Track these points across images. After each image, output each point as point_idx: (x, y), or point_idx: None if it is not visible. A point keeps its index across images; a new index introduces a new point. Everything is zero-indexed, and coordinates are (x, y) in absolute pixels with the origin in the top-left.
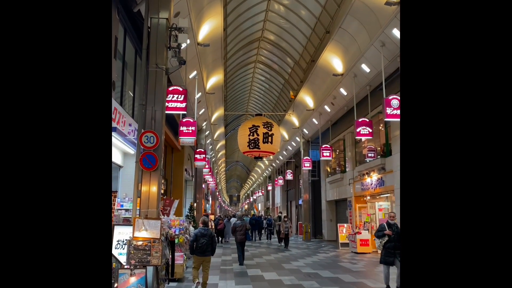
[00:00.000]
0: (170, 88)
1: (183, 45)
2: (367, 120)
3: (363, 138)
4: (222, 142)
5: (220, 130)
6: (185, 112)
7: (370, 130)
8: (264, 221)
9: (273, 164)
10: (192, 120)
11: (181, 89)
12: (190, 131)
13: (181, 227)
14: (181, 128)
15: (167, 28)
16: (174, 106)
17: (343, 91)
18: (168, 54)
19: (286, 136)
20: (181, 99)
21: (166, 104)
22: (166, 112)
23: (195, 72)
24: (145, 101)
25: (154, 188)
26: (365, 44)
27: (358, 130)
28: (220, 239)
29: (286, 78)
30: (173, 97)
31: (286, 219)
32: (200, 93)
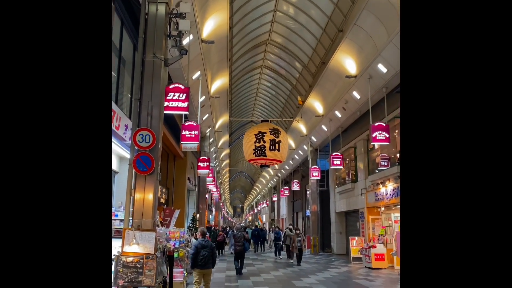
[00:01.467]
0: (171, 86)
1: (185, 40)
2: (384, 125)
3: (377, 145)
4: (227, 151)
5: (225, 138)
6: (187, 112)
7: (387, 135)
8: (272, 234)
9: (279, 174)
10: (195, 124)
11: (182, 87)
12: (193, 136)
13: (181, 239)
14: (183, 133)
15: (166, 14)
16: (175, 105)
17: (356, 94)
18: (168, 44)
19: (293, 144)
20: (183, 98)
21: (166, 103)
22: (166, 112)
23: (198, 73)
24: (140, 95)
25: (150, 195)
26: (382, 42)
27: (374, 135)
28: (220, 251)
29: (294, 83)
30: (173, 95)
31: (298, 231)
32: (204, 97)
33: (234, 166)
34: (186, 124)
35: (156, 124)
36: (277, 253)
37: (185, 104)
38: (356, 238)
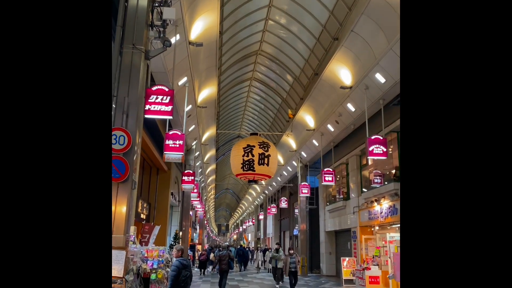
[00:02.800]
0: (154, 88)
1: (172, 40)
2: (381, 138)
3: (370, 160)
4: (213, 167)
5: (211, 153)
6: (170, 117)
7: (384, 150)
8: (259, 254)
9: (266, 192)
10: (180, 133)
11: (166, 89)
12: (177, 146)
13: (160, 259)
14: (167, 142)
15: (149, 1)
16: (158, 109)
17: (350, 106)
18: (150, 35)
19: (281, 160)
20: (167, 101)
21: (148, 106)
22: (148, 116)
23: (185, 79)
24: (116, 91)
25: (123, 207)
26: (381, 49)
27: (370, 149)
28: (202, 271)
29: (284, 96)
30: (156, 98)
31: (291, 251)
32: (190, 106)
33: (220, 181)
34: (170, 133)
35: (132, 124)
36: (279, 278)
37: (168, 108)
38: (347, 259)
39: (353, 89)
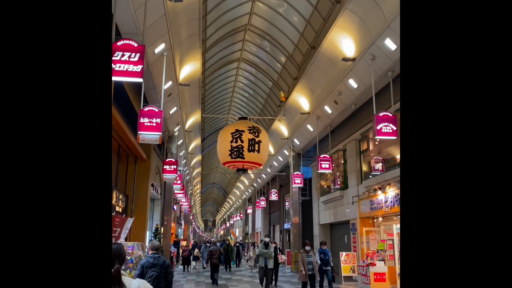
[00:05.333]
0: (119, 43)
1: None
2: (390, 115)
3: (372, 145)
4: (198, 158)
5: (196, 142)
6: (141, 80)
7: (395, 128)
8: (254, 249)
9: (254, 184)
10: (157, 110)
11: (135, 45)
12: (154, 125)
13: (129, 257)
14: (142, 120)
15: None
16: (124, 69)
17: (352, 83)
18: None
19: (272, 150)
20: (135, 59)
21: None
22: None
23: (163, 45)
24: None
25: None
26: (393, 7)
27: (378, 127)
28: (186, 267)
29: (276, 79)
30: (122, 55)
31: (308, 247)
32: (170, 82)
33: (206, 177)
34: (146, 109)
35: None
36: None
37: (138, 68)
38: (345, 253)
39: (356, 61)
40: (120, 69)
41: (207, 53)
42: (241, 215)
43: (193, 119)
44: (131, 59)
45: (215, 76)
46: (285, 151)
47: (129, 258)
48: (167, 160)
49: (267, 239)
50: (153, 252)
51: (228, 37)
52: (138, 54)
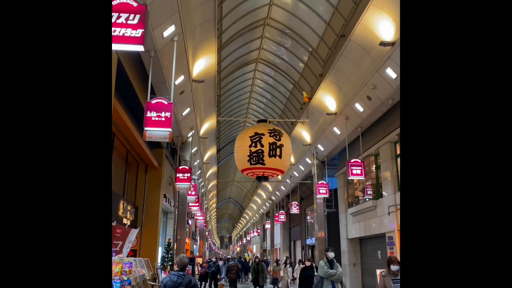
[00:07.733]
0: (114, 2)
1: None
2: None
3: None
4: (214, 169)
5: (212, 151)
6: (142, 48)
7: None
8: (287, 269)
9: (273, 197)
10: (166, 102)
11: (135, 4)
12: (163, 119)
13: (126, 277)
14: (148, 114)
15: None
16: (121, 33)
17: (390, 72)
18: None
19: (292, 159)
20: (134, 21)
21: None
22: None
23: (172, 28)
24: None
25: None
26: None
27: None
28: (204, 284)
29: (297, 80)
30: (118, 17)
31: (395, 266)
32: (183, 76)
33: (222, 191)
34: (153, 102)
35: None
36: None
37: (138, 33)
38: (378, 271)
39: (397, 45)
40: (116, 33)
41: (222, 51)
42: (259, 230)
43: (208, 124)
44: (129, 22)
45: (231, 80)
46: (307, 159)
47: (125, 278)
48: (180, 168)
49: (331, 254)
50: (178, 269)
51: (245, 33)
52: (138, 16)
